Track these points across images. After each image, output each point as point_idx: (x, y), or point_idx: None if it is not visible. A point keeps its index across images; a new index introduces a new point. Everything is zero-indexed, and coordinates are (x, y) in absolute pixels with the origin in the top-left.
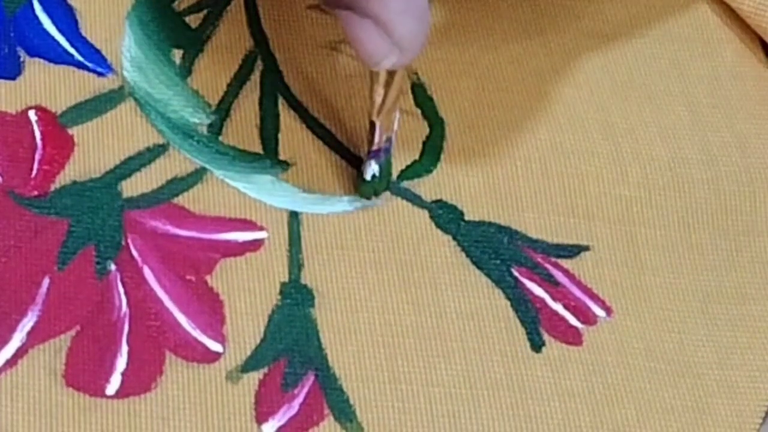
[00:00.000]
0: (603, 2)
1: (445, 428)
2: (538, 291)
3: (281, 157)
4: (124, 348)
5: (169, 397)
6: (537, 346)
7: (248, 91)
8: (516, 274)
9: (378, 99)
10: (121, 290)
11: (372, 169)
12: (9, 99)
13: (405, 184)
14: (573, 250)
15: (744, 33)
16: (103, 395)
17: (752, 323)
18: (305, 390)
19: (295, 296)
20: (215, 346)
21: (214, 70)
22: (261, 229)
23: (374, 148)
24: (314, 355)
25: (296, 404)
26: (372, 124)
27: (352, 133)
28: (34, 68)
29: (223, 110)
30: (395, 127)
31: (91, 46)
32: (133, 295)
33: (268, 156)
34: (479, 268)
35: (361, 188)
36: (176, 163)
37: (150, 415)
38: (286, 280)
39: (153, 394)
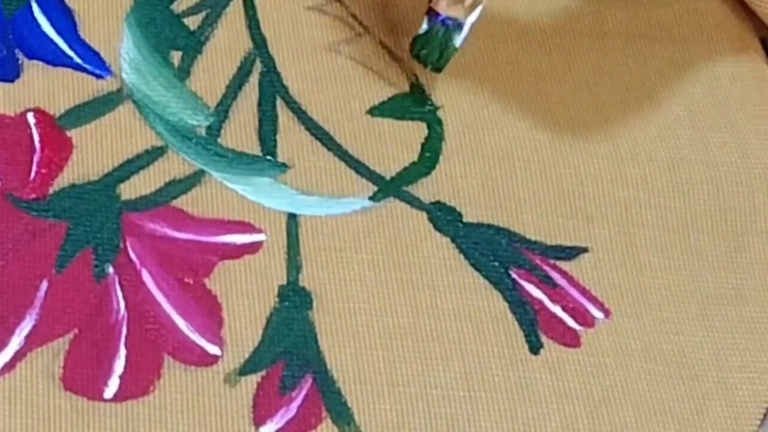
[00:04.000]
0: (602, 2)
1: (443, 431)
2: (536, 293)
3: (280, 159)
4: (122, 351)
5: (167, 400)
6: (535, 348)
7: (247, 92)
8: (514, 276)
9: None
10: (119, 293)
11: (423, 26)
12: (7, 101)
13: (403, 186)
14: (571, 252)
15: (744, 33)
16: (101, 399)
17: (751, 325)
18: (303, 393)
19: (294, 299)
20: (213, 349)
21: (212, 72)
22: (259, 231)
23: (432, 6)
24: (312, 357)
25: (294, 407)
26: None
27: (351, 134)
28: (33, 70)
29: (221, 112)
30: (470, 17)
31: (90, 48)
32: (131, 298)
33: (267, 158)
34: (477, 269)
35: (412, 42)
36: (175, 165)
37: (148, 418)
38: (285, 282)
39: (151, 397)
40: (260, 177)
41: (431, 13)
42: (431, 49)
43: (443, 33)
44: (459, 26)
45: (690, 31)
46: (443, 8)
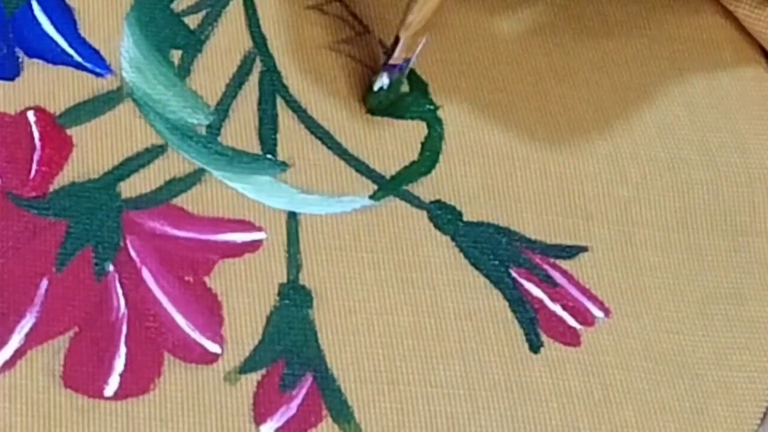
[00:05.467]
0: (602, 2)
1: (443, 429)
2: (536, 292)
3: (280, 157)
4: (123, 349)
5: (168, 398)
6: (535, 347)
7: (247, 91)
8: (514, 274)
9: (410, 17)
10: (120, 291)
11: (382, 81)
12: (7, 100)
13: (403, 185)
14: (571, 251)
15: (743, 33)
16: (102, 397)
17: (750, 324)
18: (303, 391)
19: (294, 297)
20: (213, 348)
21: (212, 71)
22: (259, 229)
23: (391, 62)
24: (312, 356)
25: (294, 405)
26: (396, 39)
27: (351, 133)
28: (33, 69)
29: (221, 111)
30: (417, 50)
31: (90, 46)
32: (131, 297)
33: (267, 156)
34: (477, 268)
35: (367, 98)
36: (175, 163)
37: (148, 416)
38: (285, 281)
39: (151, 395)
40: (260, 175)
41: (389, 68)
42: (392, 96)
43: (398, 76)
44: (407, 61)
45: (689, 31)
46: (401, 59)
